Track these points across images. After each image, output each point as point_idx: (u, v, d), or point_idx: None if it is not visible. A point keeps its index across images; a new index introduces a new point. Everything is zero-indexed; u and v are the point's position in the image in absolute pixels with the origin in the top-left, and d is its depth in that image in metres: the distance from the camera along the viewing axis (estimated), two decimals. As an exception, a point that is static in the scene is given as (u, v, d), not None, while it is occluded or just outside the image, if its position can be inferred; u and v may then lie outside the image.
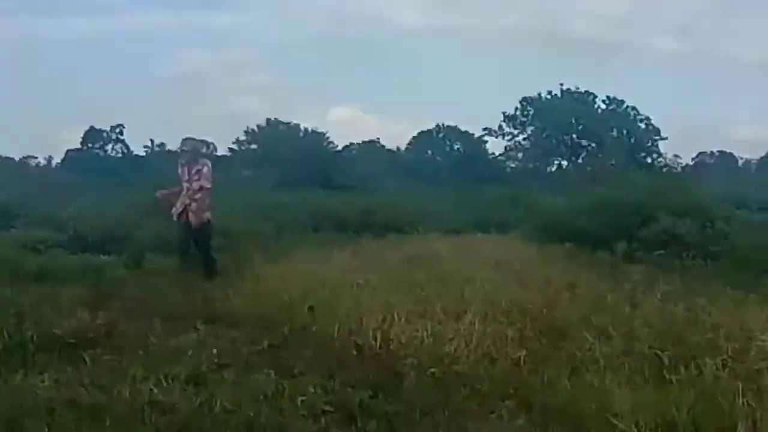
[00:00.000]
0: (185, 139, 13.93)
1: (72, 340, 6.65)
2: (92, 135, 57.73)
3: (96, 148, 57.65)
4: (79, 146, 58.57)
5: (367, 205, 26.76)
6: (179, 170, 13.43)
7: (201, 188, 13.46)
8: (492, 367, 6.86)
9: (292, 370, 6.25)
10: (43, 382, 5.58)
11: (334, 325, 7.70)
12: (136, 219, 16.90)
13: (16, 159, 41.23)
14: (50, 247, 13.67)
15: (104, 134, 58.40)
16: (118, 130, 58.55)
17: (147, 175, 33.99)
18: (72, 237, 14.24)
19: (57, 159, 56.96)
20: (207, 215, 13.41)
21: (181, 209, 13.29)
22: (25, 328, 6.64)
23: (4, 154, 38.09)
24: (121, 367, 6.03)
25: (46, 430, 4.37)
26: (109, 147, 58.56)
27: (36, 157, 50.39)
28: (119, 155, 58.43)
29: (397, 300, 9.65)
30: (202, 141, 14.31)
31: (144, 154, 58.85)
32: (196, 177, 13.50)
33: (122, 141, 59.24)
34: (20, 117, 77.10)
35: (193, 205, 13.40)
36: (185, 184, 13.39)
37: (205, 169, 13.63)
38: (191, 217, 13.38)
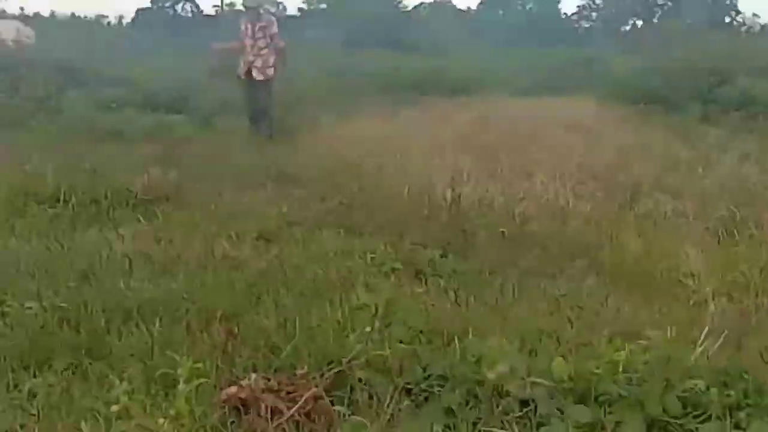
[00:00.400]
0: None
1: (145, 197, 6.72)
2: (162, -7, 57.41)
3: (166, 7, 57.35)
4: (149, 5, 58.44)
5: (437, 66, 26.35)
6: (242, 27, 13.25)
7: (267, 45, 13.29)
8: (562, 227, 6.81)
9: (362, 228, 6.24)
10: (116, 236, 5.65)
11: (403, 185, 7.67)
12: (204, 79, 16.89)
13: (89, 18, 41.26)
14: (122, 106, 13.73)
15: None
16: (186, -10, 58.09)
17: (217, 35, 33.82)
18: (143, 96, 14.27)
19: (127, 19, 57.02)
20: (270, 72, 13.26)
21: (246, 68, 13.12)
22: (99, 184, 6.71)
23: (77, 13, 38.11)
24: (193, 223, 6.08)
25: (122, 282, 4.43)
26: (179, 6, 58.18)
27: (107, 16, 50.40)
28: (189, 14, 58.10)
29: (466, 160, 9.59)
30: (269, -2, 14.20)
31: (214, 12, 58.40)
32: (260, 34, 13.32)
33: (192, 0, 58.83)
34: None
35: (258, 61, 13.25)
36: (248, 41, 13.22)
37: (273, 28, 13.47)
38: (254, 74, 13.25)
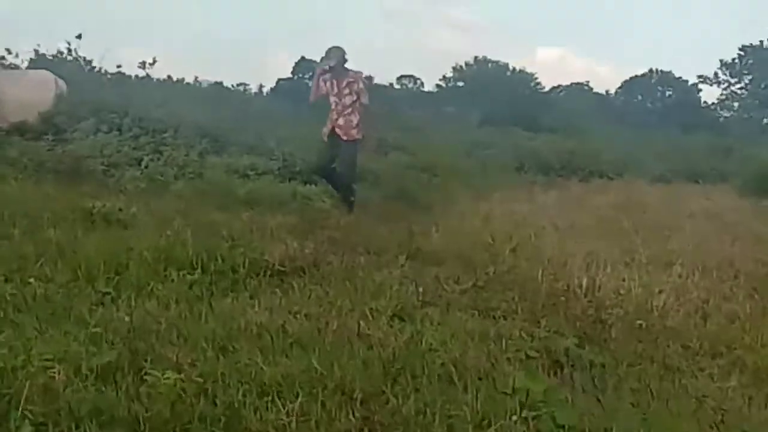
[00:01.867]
0: (331, 49, 12.83)
1: (281, 267, 6.79)
2: (302, 65, 58.78)
3: (306, 78, 58.73)
4: (289, 75, 59.98)
5: (573, 148, 26.20)
6: (325, 84, 12.55)
7: (352, 103, 12.48)
8: (703, 324, 6.60)
9: (496, 311, 6.17)
10: (253, 307, 5.72)
11: (537, 268, 7.57)
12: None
13: (230, 86, 42.58)
14: (260, 174, 13.97)
15: (314, 64, 59.38)
16: (327, 62, 59.42)
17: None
18: (281, 165, 14.50)
19: (268, 87, 58.52)
20: (354, 132, 12.44)
21: (330, 127, 12.51)
22: (237, 253, 6.81)
23: (218, 81, 39.39)
24: (328, 298, 6.10)
25: (259, 355, 4.47)
26: (318, 77, 59.52)
27: (248, 85, 51.80)
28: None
29: (602, 246, 9.43)
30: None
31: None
32: (346, 91, 12.51)
33: (331, 72, 60.10)
34: (234, 44, 79.85)
35: (341, 120, 12.48)
36: (333, 99, 12.51)
37: (360, 84, 12.65)
38: (339, 133, 12.50)
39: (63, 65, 19.36)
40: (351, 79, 12.56)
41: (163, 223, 8.36)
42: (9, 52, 18.93)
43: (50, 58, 19.42)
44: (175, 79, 21.22)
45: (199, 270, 6.42)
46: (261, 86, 57.64)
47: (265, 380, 4.13)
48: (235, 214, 9.78)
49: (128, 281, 5.98)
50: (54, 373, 3.78)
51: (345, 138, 12.41)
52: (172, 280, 6.18)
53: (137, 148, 13.73)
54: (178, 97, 20.85)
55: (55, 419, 3.47)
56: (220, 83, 34.54)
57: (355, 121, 12.43)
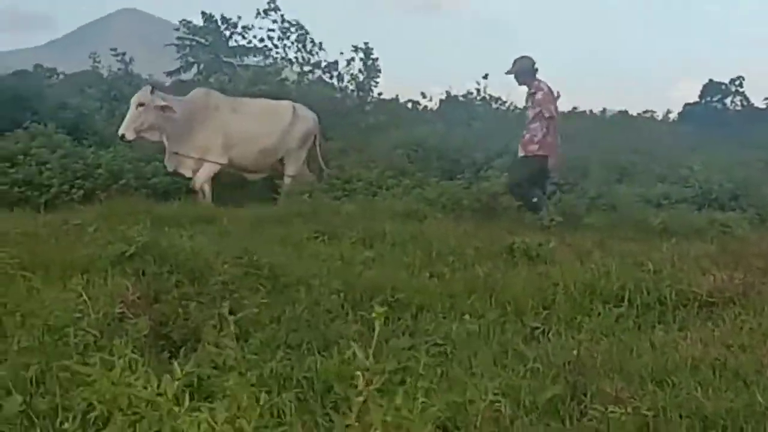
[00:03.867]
0: (517, 59, 12.18)
1: (709, 299, 6.58)
2: (711, 88, 56.70)
3: (714, 101, 56.56)
4: (697, 99, 58.05)
5: None
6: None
7: (536, 116, 11.83)
8: None
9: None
10: (684, 339, 5.60)
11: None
12: (757, 175, 16.24)
13: (633, 114, 42.01)
14: (673, 202, 13.67)
15: (723, 87, 56.96)
16: (737, 83, 56.79)
17: (765, 129, 32.59)
18: (696, 192, 14.09)
19: (675, 113, 57.00)
20: (533, 148, 11.75)
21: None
22: (663, 285, 6.70)
23: (622, 110, 39.04)
24: (761, 329, 5.83)
25: (698, 388, 4.39)
26: (728, 100, 57.03)
27: (654, 112, 50.88)
28: (738, 108, 56.66)
29: None
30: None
31: (764, 106, 56.29)
32: (529, 103, 12.00)
33: (742, 93, 57.33)
34: (639, 72, 79.02)
35: (526, 135, 11.91)
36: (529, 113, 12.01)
37: (539, 95, 11.89)
38: (519, 149, 12.02)
39: (472, 105, 20.22)
40: (533, 90, 11.98)
41: (582, 255, 8.45)
42: (423, 96, 20.06)
43: (461, 99, 20.34)
44: (581, 110, 21.30)
45: (625, 303, 6.41)
46: (668, 112, 56.30)
47: (707, 414, 4.05)
48: (652, 245, 9.61)
49: (556, 316, 6.10)
50: (500, 407, 3.96)
51: (522, 153, 11.98)
52: (599, 314, 6.20)
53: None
54: (585, 128, 20.90)
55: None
56: (625, 112, 34.17)
57: (537, 136, 11.77)
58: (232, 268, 6.39)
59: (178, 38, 40.10)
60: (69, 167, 12.76)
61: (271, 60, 24.37)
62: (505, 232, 9.95)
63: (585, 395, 4.32)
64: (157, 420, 2.90)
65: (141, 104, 12.65)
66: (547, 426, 3.97)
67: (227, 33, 38.57)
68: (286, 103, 14.26)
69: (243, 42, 35.45)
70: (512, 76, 12.16)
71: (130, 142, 12.97)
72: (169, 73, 37.53)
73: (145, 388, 3.00)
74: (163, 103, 12.68)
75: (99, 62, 21.97)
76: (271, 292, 6.19)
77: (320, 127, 14.44)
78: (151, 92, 12.82)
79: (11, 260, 6.41)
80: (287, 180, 13.63)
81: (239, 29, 36.73)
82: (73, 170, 12.78)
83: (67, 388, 3.69)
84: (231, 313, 4.98)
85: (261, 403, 2.88)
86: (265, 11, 22.89)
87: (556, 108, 11.98)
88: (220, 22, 38.80)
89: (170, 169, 13.26)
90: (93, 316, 3.85)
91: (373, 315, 3.21)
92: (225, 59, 35.62)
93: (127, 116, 12.71)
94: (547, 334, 5.71)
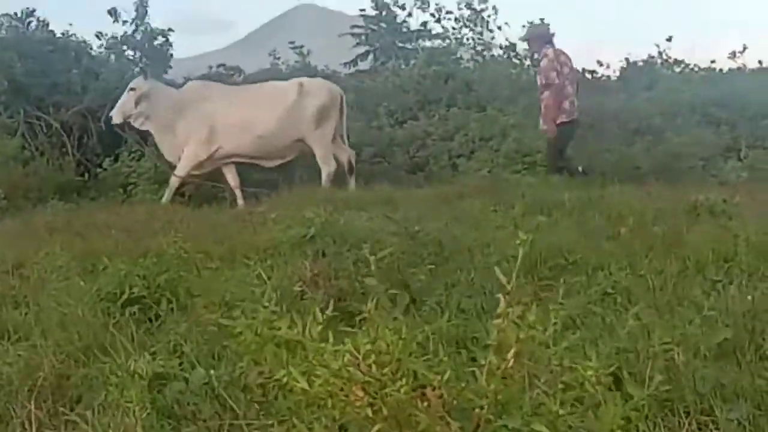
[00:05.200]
0: (530, 26, 12.31)
1: None
2: None
3: None
4: None
5: None
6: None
7: (542, 85, 11.43)
8: None
9: None
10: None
11: None
12: None
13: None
14: None
15: None
16: None
17: None
18: None
19: None
20: (541, 122, 11.51)
21: None
22: None
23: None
24: None
25: None
26: None
27: None
28: None
29: None
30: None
31: None
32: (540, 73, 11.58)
33: None
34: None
35: (542, 110, 11.46)
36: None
37: (543, 62, 11.46)
38: (541, 125, 11.60)
39: (652, 69, 19.65)
40: (539, 57, 11.65)
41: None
42: (600, 64, 19.64)
43: (641, 64, 19.75)
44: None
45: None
46: None
47: None
48: None
49: (738, 268, 5.95)
50: (673, 354, 3.93)
51: (544, 130, 11.60)
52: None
53: (734, 139, 13.57)
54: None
55: (679, 395, 3.64)
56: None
57: (552, 106, 11.28)
58: (401, 241, 6.51)
59: (353, 26, 40.78)
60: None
61: (447, 42, 24.43)
62: (688, 191, 9.72)
63: (763, 339, 4.25)
64: (303, 357, 3.03)
65: (132, 89, 12.64)
66: (721, 369, 3.92)
67: (401, 18, 38.95)
68: (291, 83, 13.25)
69: (417, 27, 35.69)
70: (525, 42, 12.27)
71: (121, 127, 12.91)
72: (347, 64, 38.25)
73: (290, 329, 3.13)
74: (140, 92, 12.54)
75: (279, 58, 22.55)
76: (439, 261, 6.30)
77: (342, 99, 13.13)
78: (145, 78, 12.88)
79: (198, 251, 6.76)
80: (321, 166, 12.71)
81: (417, 14, 37.05)
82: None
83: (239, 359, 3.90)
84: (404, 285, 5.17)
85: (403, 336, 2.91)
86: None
87: (559, 73, 11.39)
88: (393, 7, 39.21)
89: (153, 160, 13.23)
90: (271, 294, 4.08)
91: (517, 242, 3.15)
92: (400, 45, 35.95)
93: (120, 100, 12.72)
94: (728, 286, 5.58)
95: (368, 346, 2.81)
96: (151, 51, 17.28)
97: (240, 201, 12.52)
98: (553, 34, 11.74)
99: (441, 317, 4.62)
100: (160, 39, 17.58)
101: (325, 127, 12.68)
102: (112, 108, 12.82)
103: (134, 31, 17.34)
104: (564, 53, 11.64)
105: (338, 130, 12.97)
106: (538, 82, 11.64)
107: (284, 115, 12.60)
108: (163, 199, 12.39)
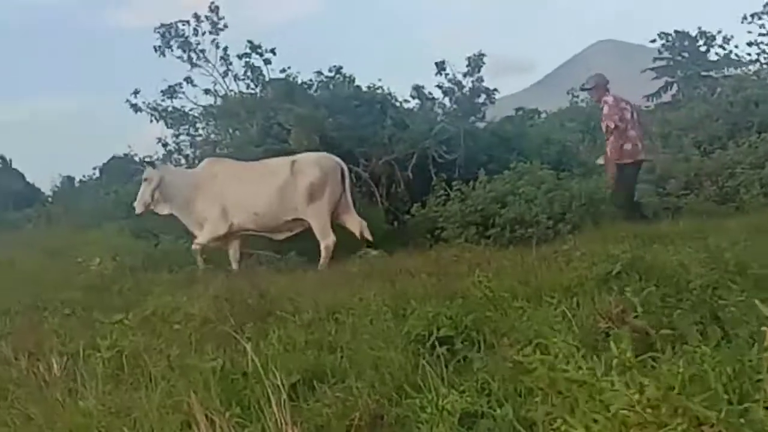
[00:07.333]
0: (591, 76, 12.73)
1: None
2: None
3: None
4: None
5: None
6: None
7: (606, 131, 12.14)
8: None
9: None
10: None
11: None
12: None
13: None
14: None
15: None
16: None
17: None
18: None
19: None
20: (602, 160, 12.64)
21: None
22: None
23: None
24: None
25: None
26: None
27: None
28: None
29: None
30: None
31: None
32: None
33: None
34: None
35: (607, 153, 12.29)
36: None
37: (605, 109, 12.15)
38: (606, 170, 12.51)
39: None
40: (602, 106, 12.33)
41: None
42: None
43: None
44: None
45: None
46: None
47: None
48: None
49: None
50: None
51: (609, 175, 12.40)
52: None
53: None
54: None
55: None
56: None
57: (616, 149, 12.10)
58: (710, 273, 6.32)
59: (655, 59, 39.93)
60: (555, 200, 12.98)
61: (757, 67, 23.34)
62: None
63: None
64: (588, 397, 3.04)
65: (145, 179, 13.13)
66: None
67: (705, 47, 37.55)
68: (285, 160, 13.24)
69: (723, 53, 34.39)
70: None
71: (141, 215, 13.50)
72: (649, 96, 37.41)
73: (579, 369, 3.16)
74: (153, 182, 12.99)
75: (577, 96, 22.53)
76: (752, 292, 6.03)
77: (342, 170, 13.10)
78: (153, 167, 13.26)
79: (504, 291, 6.88)
80: (320, 240, 12.63)
81: (719, 41, 35.69)
82: (560, 202, 12.97)
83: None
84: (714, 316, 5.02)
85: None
86: (753, 15, 22.00)
87: (620, 118, 12.13)
88: (697, 38, 37.92)
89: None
90: (573, 330, 4.08)
91: None
92: (703, 74, 34.73)
93: (139, 192, 13.25)
94: None
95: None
96: (461, 99, 17.57)
97: (234, 265, 12.95)
98: (607, 82, 12.64)
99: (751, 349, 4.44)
100: (482, 97, 17.78)
101: (319, 201, 12.79)
102: (419, 156, 14.09)
103: (461, 87, 17.55)
104: (624, 99, 12.59)
105: (343, 200, 13.07)
106: (603, 129, 12.43)
107: (277, 193, 12.87)
108: (199, 266, 12.77)
